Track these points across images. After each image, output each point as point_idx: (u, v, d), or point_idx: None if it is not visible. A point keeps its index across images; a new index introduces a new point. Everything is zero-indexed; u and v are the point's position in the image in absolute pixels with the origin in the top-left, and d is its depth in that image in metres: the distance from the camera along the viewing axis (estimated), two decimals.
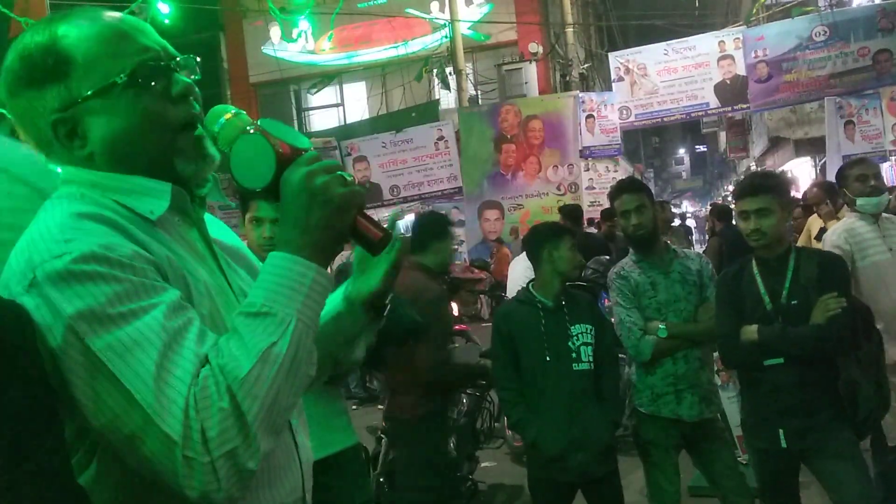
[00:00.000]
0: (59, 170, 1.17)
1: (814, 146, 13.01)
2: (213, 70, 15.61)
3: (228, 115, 1.13)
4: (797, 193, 9.71)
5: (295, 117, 16.60)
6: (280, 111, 15.93)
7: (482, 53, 15.34)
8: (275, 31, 15.63)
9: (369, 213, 1.16)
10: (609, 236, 7.90)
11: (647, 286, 3.24)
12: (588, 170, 11.94)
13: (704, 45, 11.22)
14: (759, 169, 15.05)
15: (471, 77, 14.49)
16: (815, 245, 5.30)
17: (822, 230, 5.19)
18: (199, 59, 1.20)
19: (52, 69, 1.10)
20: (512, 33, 14.89)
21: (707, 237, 11.74)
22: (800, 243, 5.71)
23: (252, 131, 1.10)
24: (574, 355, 3.10)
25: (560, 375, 3.06)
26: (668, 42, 11.66)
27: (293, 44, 15.81)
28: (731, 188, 33.79)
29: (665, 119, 11.82)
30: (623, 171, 12.58)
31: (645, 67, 11.38)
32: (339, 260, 5.68)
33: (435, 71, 13.78)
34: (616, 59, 11.78)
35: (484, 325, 8.62)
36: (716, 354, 3.66)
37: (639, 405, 3.27)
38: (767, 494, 3.00)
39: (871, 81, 10.21)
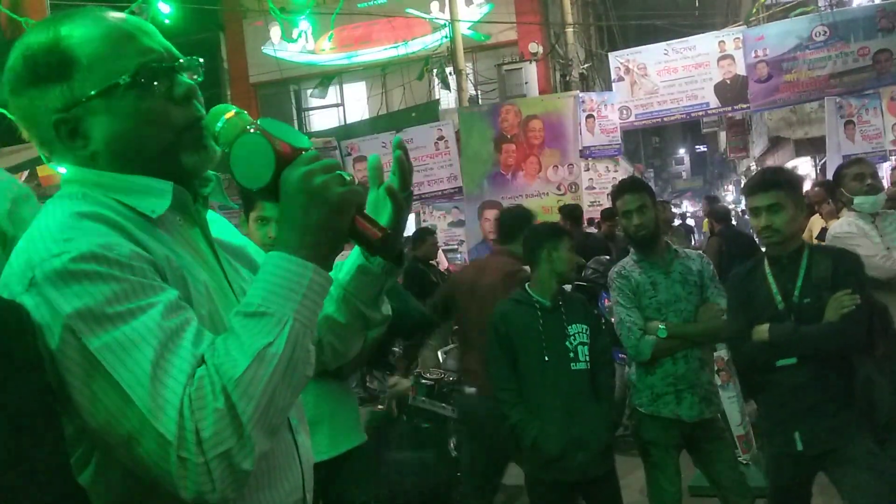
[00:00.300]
0: (61, 170, 1.17)
1: (814, 146, 13.00)
2: (213, 70, 15.60)
3: (229, 115, 1.13)
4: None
5: (295, 117, 16.59)
6: (280, 111, 15.92)
7: (482, 53, 15.32)
8: (275, 31, 15.61)
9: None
10: (609, 236, 7.90)
11: (647, 286, 3.24)
12: (588, 170, 11.93)
13: (704, 45, 11.20)
14: (759, 168, 15.05)
15: (471, 77, 14.48)
16: None
17: (824, 230, 5.19)
18: (202, 60, 1.20)
19: (56, 69, 1.10)
20: (512, 33, 14.88)
21: (704, 237, 11.74)
22: None
23: (252, 130, 1.10)
24: (572, 355, 3.11)
25: (559, 375, 3.07)
26: (668, 42, 11.64)
27: (293, 44, 15.79)
28: (731, 188, 33.83)
29: (665, 119, 11.80)
30: (623, 171, 12.57)
31: (645, 67, 11.36)
32: (339, 260, 5.67)
33: (435, 71, 13.77)
34: (616, 59, 11.76)
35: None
36: (716, 354, 3.66)
37: (639, 405, 3.27)
38: (778, 499, 2.90)
39: (871, 81, 10.19)
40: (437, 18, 14.70)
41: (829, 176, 8.95)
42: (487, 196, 11.83)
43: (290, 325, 1.01)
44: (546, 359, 3.07)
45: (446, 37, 13.87)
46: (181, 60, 1.17)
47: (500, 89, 13.23)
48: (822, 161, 12.10)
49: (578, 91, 13.33)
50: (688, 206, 36.31)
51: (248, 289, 1.07)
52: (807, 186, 10.39)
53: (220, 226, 1.31)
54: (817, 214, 6.04)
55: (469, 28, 14.73)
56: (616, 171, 11.96)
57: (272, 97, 16.53)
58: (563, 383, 3.07)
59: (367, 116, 15.10)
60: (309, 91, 15.93)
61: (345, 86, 16.51)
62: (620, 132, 11.87)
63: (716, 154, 33.12)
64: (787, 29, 10.71)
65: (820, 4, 11.90)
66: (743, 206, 23.98)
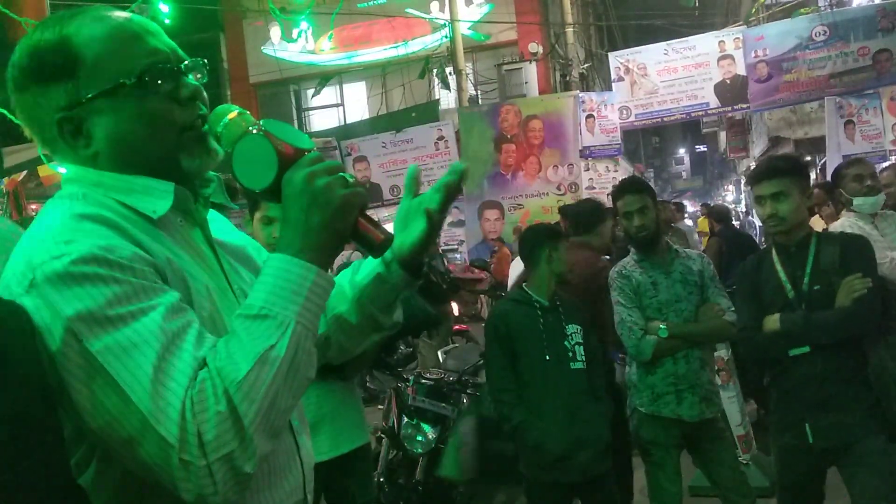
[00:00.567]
0: (61, 169, 1.17)
1: (814, 146, 13.00)
2: (213, 70, 15.54)
3: (232, 115, 1.12)
4: None
5: (295, 117, 16.59)
6: (280, 111, 15.91)
7: (482, 53, 15.32)
8: (275, 32, 15.60)
9: (370, 213, 1.16)
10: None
11: (648, 286, 3.24)
12: (588, 170, 11.93)
13: (704, 45, 11.20)
14: None
15: (471, 77, 14.48)
16: None
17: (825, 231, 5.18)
18: (206, 61, 1.20)
19: (61, 67, 1.10)
20: (512, 33, 14.88)
21: (698, 238, 11.73)
22: None
23: (255, 131, 1.09)
24: (570, 354, 3.12)
25: (559, 375, 3.07)
26: (668, 42, 11.63)
27: (293, 44, 15.78)
28: (731, 188, 33.79)
29: (665, 119, 11.80)
30: (623, 171, 12.56)
31: (645, 67, 11.36)
32: (340, 259, 5.68)
33: (435, 71, 13.76)
34: (616, 59, 11.76)
35: (484, 325, 8.60)
36: (716, 354, 3.66)
37: (639, 405, 3.27)
38: (790, 495, 2.84)
39: (871, 81, 10.19)
40: (437, 18, 14.70)
41: (829, 176, 8.96)
42: (487, 196, 11.84)
43: (292, 327, 1.00)
44: (547, 358, 3.07)
45: (446, 37, 13.86)
46: (186, 62, 1.17)
47: (500, 89, 13.23)
48: (822, 161, 12.08)
49: (578, 91, 13.33)
50: (688, 207, 36.28)
51: (250, 290, 1.07)
52: None
53: (220, 225, 1.30)
54: (817, 216, 6.02)
55: (469, 28, 14.72)
56: (616, 171, 11.97)
57: (272, 97, 16.53)
58: (564, 383, 3.07)
59: (367, 116, 15.09)
60: (310, 91, 15.93)
61: (345, 86, 16.51)
62: (620, 132, 11.87)
63: (716, 154, 33.10)
64: (787, 29, 10.70)
65: (820, 4, 11.90)
66: (743, 205, 23.91)
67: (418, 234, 1.24)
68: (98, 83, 1.10)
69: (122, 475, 1.04)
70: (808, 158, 14.30)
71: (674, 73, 11.23)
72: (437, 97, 14.37)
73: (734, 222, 9.52)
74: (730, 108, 11.66)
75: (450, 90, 13.83)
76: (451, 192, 1.24)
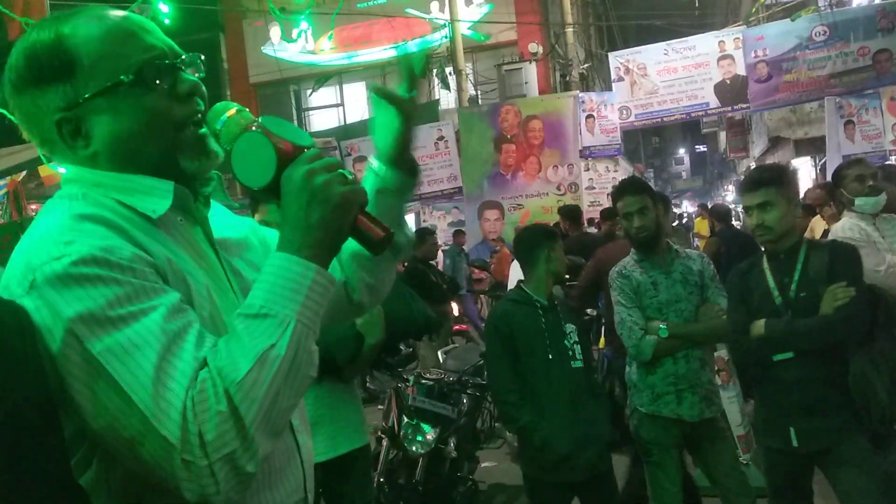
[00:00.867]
0: (61, 170, 1.17)
1: (814, 146, 13.00)
2: (213, 70, 15.59)
3: (230, 113, 1.12)
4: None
5: (295, 117, 16.60)
6: (280, 111, 15.91)
7: (482, 53, 15.33)
8: (275, 32, 15.62)
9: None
10: (609, 236, 7.89)
11: (648, 286, 3.24)
12: (588, 170, 11.94)
13: (704, 45, 11.21)
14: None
15: (471, 77, 14.49)
16: None
17: (826, 232, 5.18)
18: (202, 56, 1.20)
19: (58, 68, 1.10)
20: (512, 33, 14.89)
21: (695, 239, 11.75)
22: None
23: (254, 129, 1.09)
24: (571, 353, 3.13)
25: (562, 374, 3.08)
26: (668, 42, 11.64)
27: (293, 44, 15.79)
28: (731, 188, 33.81)
29: (665, 119, 11.80)
30: (623, 171, 12.57)
31: (645, 67, 11.37)
32: None
33: (435, 71, 13.76)
34: (616, 59, 11.77)
35: (484, 325, 8.60)
36: (716, 354, 3.65)
37: (639, 405, 3.27)
38: (778, 496, 2.89)
39: (871, 81, 10.20)
40: (436, 18, 14.71)
41: (829, 176, 8.96)
42: (487, 196, 11.85)
43: (292, 326, 1.00)
44: (550, 357, 3.08)
45: (446, 37, 13.87)
46: (183, 57, 1.17)
47: (500, 89, 13.24)
48: (822, 161, 12.09)
49: (578, 91, 13.33)
50: (687, 207, 36.32)
51: (250, 289, 1.06)
52: (808, 186, 10.39)
53: (221, 217, 1.30)
54: (818, 216, 6.02)
55: (469, 28, 14.74)
56: (616, 171, 11.98)
57: (272, 97, 16.54)
58: (566, 381, 3.08)
59: (367, 116, 15.02)
60: (310, 91, 15.93)
61: (345, 86, 16.52)
62: (620, 132, 11.88)
63: (716, 154, 33.14)
64: (786, 29, 10.70)
65: (820, 4, 11.90)
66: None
67: (396, 127, 1.25)
68: (96, 82, 1.10)
69: (122, 475, 1.04)
70: (808, 158, 14.32)
71: (674, 73, 11.23)
72: (437, 97, 14.38)
73: (734, 222, 9.51)
74: (730, 108, 11.66)
75: (450, 90, 13.84)
76: (412, 74, 1.26)
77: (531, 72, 12.88)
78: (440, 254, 9.46)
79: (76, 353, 0.96)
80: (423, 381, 4.29)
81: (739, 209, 22.63)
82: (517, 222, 11.18)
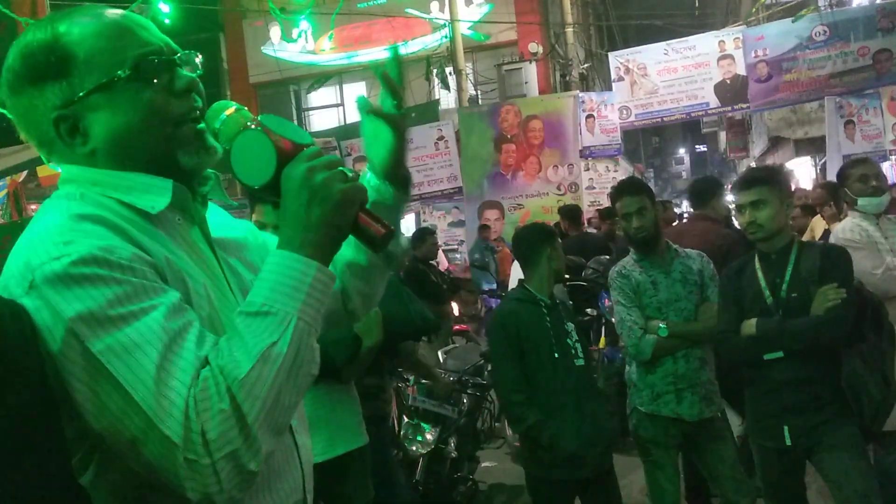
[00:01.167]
0: (59, 169, 1.17)
1: (814, 146, 13.00)
2: (213, 70, 15.59)
3: (229, 111, 1.12)
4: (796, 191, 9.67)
5: (295, 117, 16.59)
6: (280, 111, 15.89)
7: (482, 53, 15.33)
8: (275, 32, 15.61)
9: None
10: (609, 236, 7.90)
11: (647, 285, 3.25)
12: (588, 170, 11.94)
13: (704, 44, 11.21)
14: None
15: (471, 77, 14.49)
16: None
17: (827, 232, 5.17)
18: (200, 55, 1.20)
19: (54, 66, 1.09)
20: (512, 33, 14.89)
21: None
22: None
23: (253, 127, 1.08)
24: (573, 351, 3.13)
25: (567, 372, 3.09)
26: (668, 42, 11.64)
27: (293, 44, 15.79)
28: (730, 188, 33.82)
29: (665, 119, 11.80)
30: (623, 171, 12.58)
31: (645, 67, 11.37)
32: None
33: (435, 71, 13.76)
34: (616, 59, 11.77)
35: (488, 325, 8.60)
36: None
37: (639, 404, 3.27)
38: (772, 494, 2.94)
39: (871, 81, 10.20)
40: (437, 18, 14.71)
41: (830, 176, 8.96)
42: (487, 196, 11.84)
43: (294, 323, 1.00)
44: (556, 356, 3.08)
45: (446, 37, 13.87)
46: (180, 54, 1.17)
47: (500, 89, 13.24)
48: (822, 161, 12.08)
49: (578, 91, 13.34)
50: (687, 206, 36.39)
51: (250, 288, 1.06)
52: (808, 187, 10.38)
53: (219, 218, 1.30)
54: (819, 216, 6.00)
55: (469, 28, 14.73)
56: (616, 171, 11.98)
57: (272, 97, 16.54)
58: (571, 379, 3.08)
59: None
60: (307, 87, 15.92)
61: (345, 86, 16.51)
62: (620, 132, 11.88)
63: (716, 154, 33.11)
64: (786, 29, 10.70)
65: (820, 4, 11.90)
66: None
67: (388, 142, 1.25)
68: (92, 79, 1.10)
69: (122, 475, 1.03)
70: (808, 158, 14.32)
71: (674, 73, 11.23)
72: (437, 97, 14.37)
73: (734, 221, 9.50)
74: (730, 108, 11.66)
75: (450, 90, 13.84)
76: (390, 82, 1.25)
77: (531, 72, 12.88)
78: (440, 253, 9.46)
79: (77, 352, 0.95)
80: (424, 382, 4.29)
81: None
82: (517, 222, 11.18)
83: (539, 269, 3.25)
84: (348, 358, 2.76)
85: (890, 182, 7.33)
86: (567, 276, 4.84)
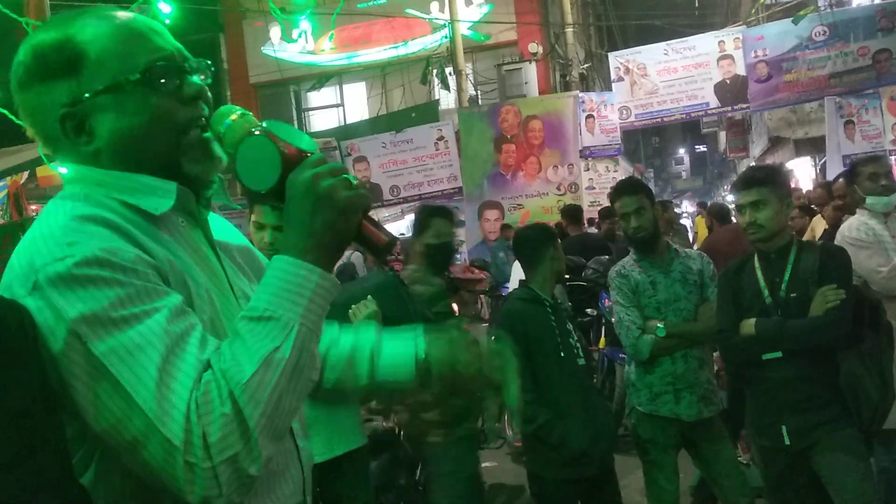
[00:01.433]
0: (62, 170, 1.17)
1: (814, 146, 12.99)
2: (213, 70, 15.57)
3: (234, 117, 1.12)
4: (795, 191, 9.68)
5: (295, 118, 16.59)
6: (280, 112, 15.91)
7: (482, 53, 15.32)
8: (275, 32, 15.61)
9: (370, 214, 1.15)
10: (609, 236, 7.90)
11: (646, 285, 3.25)
12: (588, 170, 11.93)
13: (704, 45, 11.22)
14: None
15: (471, 77, 14.48)
16: None
17: (827, 231, 5.17)
18: (210, 63, 1.20)
19: (65, 64, 1.10)
20: (512, 33, 14.88)
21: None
22: None
23: (258, 133, 1.09)
24: (576, 350, 3.14)
25: (572, 370, 3.10)
26: (668, 42, 11.65)
27: (293, 44, 15.78)
28: (730, 188, 33.81)
29: (665, 119, 11.81)
30: (623, 171, 12.58)
31: (645, 67, 11.37)
32: (341, 260, 5.68)
33: (435, 71, 13.76)
34: (616, 59, 11.77)
35: (484, 325, 8.60)
36: (716, 354, 3.65)
37: (637, 404, 3.28)
38: (773, 493, 2.94)
39: (871, 81, 10.20)
40: (436, 18, 14.70)
41: (829, 176, 8.96)
42: (487, 196, 11.84)
43: (296, 329, 1.00)
44: (562, 355, 3.09)
45: (446, 37, 13.87)
46: (191, 61, 1.17)
47: (500, 89, 13.23)
48: (822, 161, 12.09)
49: (578, 91, 13.33)
50: (687, 206, 36.36)
51: (253, 292, 1.06)
52: (808, 187, 10.39)
53: (222, 227, 1.30)
54: (819, 216, 6.01)
55: (469, 28, 14.73)
56: (616, 171, 11.97)
57: (272, 97, 16.53)
58: (576, 379, 3.10)
59: (367, 117, 15.09)
60: (310, 92, 15.92)
61: (345, 86, 16.51)
62: (620, 132, 11.88)
63: (716, 154, 33.13)
64: (786, 29, 10.70)
65: (820, 4, 11.90)
66: None
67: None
68: (101, 79, 1.10)
69: (121, 476, 1.04)
70: (808, 158, 14.32)
71: (674, 73, 11.24)
72: (436, 97, 14.37)
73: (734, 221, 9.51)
74: (730, 108, 11.67)
75: (449, 90, 13.83)
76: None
77: (531, 72, 12.87)
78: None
79: (79, 353, 0.96)
80: None
81: None
82: (517, 222, 11.19)
83: (542, 269, 3.26)
84: None
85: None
86: (567, 276, 4.84)
